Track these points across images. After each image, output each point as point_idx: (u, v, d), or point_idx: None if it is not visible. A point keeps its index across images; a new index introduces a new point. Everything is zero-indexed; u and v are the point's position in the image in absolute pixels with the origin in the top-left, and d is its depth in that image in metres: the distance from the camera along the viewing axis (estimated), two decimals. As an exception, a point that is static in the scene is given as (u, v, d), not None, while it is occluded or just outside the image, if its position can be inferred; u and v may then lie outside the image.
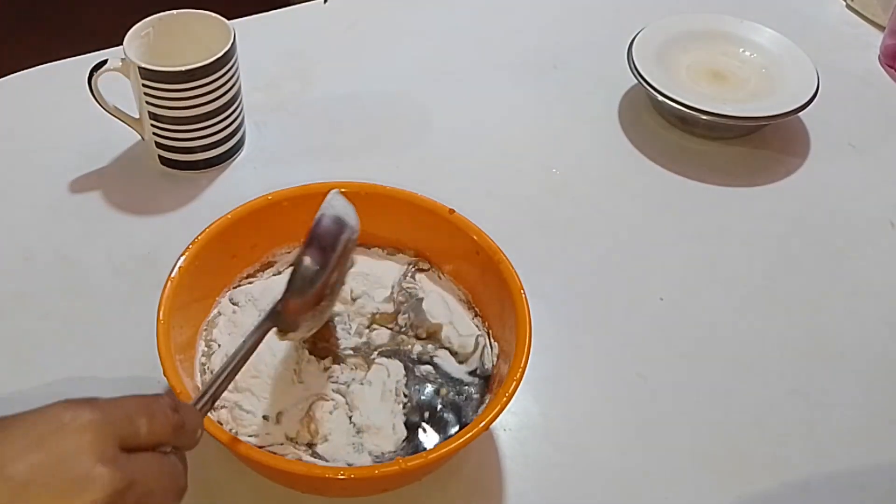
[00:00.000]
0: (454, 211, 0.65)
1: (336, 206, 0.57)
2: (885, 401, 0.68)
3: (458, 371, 0.62)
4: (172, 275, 0.59)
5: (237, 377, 0.52)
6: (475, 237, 0.64)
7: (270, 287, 0.65)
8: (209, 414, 0.58)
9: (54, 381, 0.65)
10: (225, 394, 0.59)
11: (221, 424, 0.58)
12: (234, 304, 0.65)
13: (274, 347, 0.60)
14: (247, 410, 0.58)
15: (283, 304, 0.53)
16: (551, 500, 0.61)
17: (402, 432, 0.59)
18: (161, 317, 0.57)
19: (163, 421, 0.43)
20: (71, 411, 0.40)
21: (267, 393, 0.59)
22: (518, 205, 0.81)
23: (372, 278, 0.66)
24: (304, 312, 0.55)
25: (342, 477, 0.53)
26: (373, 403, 0.59)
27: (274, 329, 0.54)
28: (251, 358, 0.52)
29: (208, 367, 0.61)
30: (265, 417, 0.58)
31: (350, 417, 0.59)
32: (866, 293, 0.75)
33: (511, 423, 0.64)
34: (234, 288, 0.66)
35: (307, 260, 0.54)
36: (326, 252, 0.54)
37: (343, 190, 0.60)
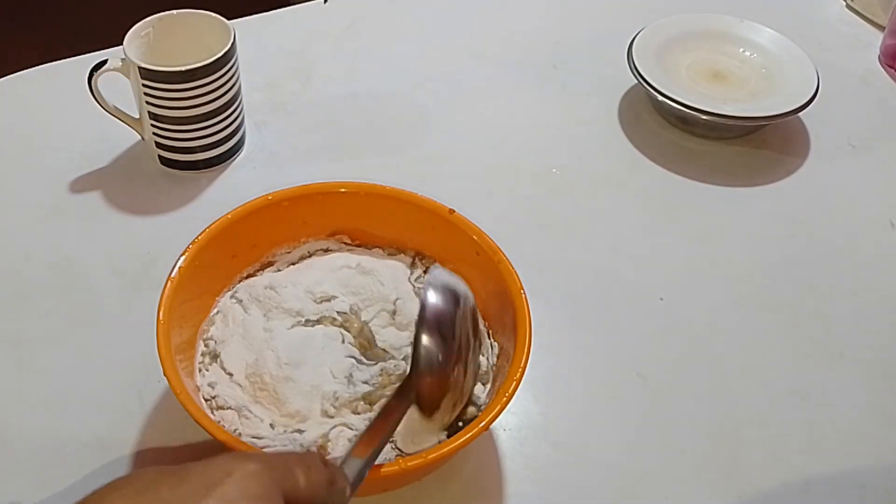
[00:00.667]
0: (454, 211, 0.65)
1: (440, 277, 0.56)
2: (885, 401, 0.68)
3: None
4: (172, 275, 0.59)
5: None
6: (475, 237, 0.64)
7: (273, 284, 0.65)
8: (211, 414, 0.58)
9: (54, 381, 0.65)
10: (236, 399, 0.59)
11: (223, 424, 0.58)
12: (236, 299, 0.64)
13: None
14: (255, 415, 0.58)
15: (416, 382, 0.53)
16: (551, 499, 0.61)
17: None
18: (161, 317, 0.57)
19: (318, 475, 0.45)
20: (237, 461, 0.42)
21: (284, 406, 0.59)
22: (518, 205, 0.81)
23: (380, 279, 0.66)
24: (440, 391, 0.54)
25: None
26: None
27: (414, 407, 0.53)
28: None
29: (206, 367, 0.61)
30: (272, 426, 0.58)
31: None
32: (866, 293, 0.75)
33: (511, 423, 0.64)
34: (234, 288, 0.66)
35: (424, 339, 0.53)
36: (442, 328, 0.54)
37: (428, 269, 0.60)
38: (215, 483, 0.41)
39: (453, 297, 0.55)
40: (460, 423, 0.57)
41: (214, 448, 0.52)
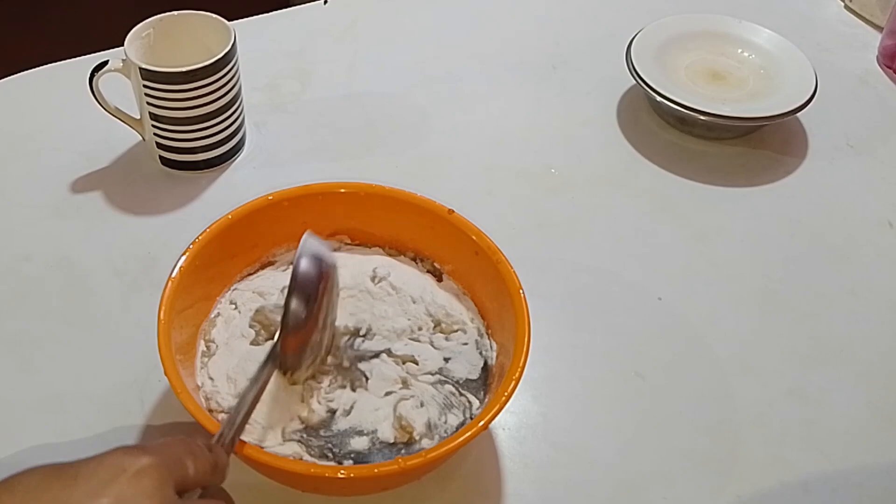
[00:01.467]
0: (453, 211, 0.65)
1: (311, 246, 0.58)
2: (884, 401, 0.68)
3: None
4: (173, 275, 0.60)
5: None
6: (474, 237, 0.64)
7: (270, 283, 0.65)
8: (213, 416, 0.58)
9: (54, 381, 0.66)
10: (228, 401, 0.59)
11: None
12: (233, 304, 0.65)
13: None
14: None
15: (280, 344, 0.55)
16: (550, 499, 0.61)
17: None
18: (161, 316, 0.57)
19: (203, 461, 0.46)
20: (130, 457, 0.42)
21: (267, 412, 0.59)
22: (517, 205, 0.81)
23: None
24: (301, 349, 0.57)
25: (342, 476, 0.53)
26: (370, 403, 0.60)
27: (278, 373, 0.56)
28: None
29: (208, 367, 0.61)
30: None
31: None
32: (865, 293, 0.76)
33: (510, 423, 0.65)
34: (233, 287, 0.66)
35: (294, 302, 0.55)
36: (309, 291, 0.56)
37: (313, 235, 0.60)
38: (108, 482, 0.41)
39: (319, 263, 0.57)
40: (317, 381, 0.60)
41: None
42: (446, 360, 0.62)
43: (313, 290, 0.56)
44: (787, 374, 0.69)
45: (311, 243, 0.58)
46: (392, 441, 0.58)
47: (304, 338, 0.56)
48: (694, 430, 0.66)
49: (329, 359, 0.61)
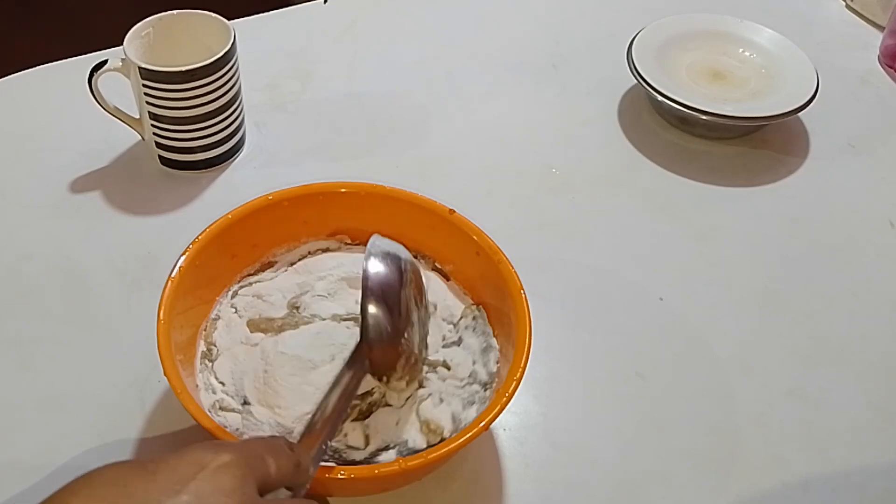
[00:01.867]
0: (454, 211, 0.65)
1: (381, 245, 0.57)
2: (884, 401, 0.68)
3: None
4: (172, 275, 0.59)
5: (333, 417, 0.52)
6: (475, 237, 0.64)
7: (270, 286, 0.65)
8: (215, 415, 0.58)
9: (54, 381, 0.65)
10: (235, 400, 0.59)
11: (225, 425, 0.58)
12: (233, 308, 0.64)
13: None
14: (255, 417, 0.58)
15: (363, 350, 0.54)
16: (551, 499, 0.61)
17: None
18: (161, 316, 0.57)
19: (286, 460, 0.45)
20: (210, 453, 0.42)
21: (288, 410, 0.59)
22: (518, 205, 0.81)
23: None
24: (388, 352, 0.55)
25: (342, 476, 0.53)
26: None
27: (370, 376, 0.55)
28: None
29: (209, 367, 0.61)
30: (271, 425, 0.58)
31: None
32: (866, 293, 0.75)
33: (511, 423, 0.65)
34: (234, 288, 0.66)
35: (371, 308, 0.54)
36: (384, 291, 0.55)
37: (378, 237, 0.59)
38: (188, 478, 0.40)
39: (395, 263, 0.56)
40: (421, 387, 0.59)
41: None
42: (474, 362, 0.62)
43: (389, 290, 0.55)
44: (787, 374, 0.69)
45: (379, 243, 0.57)
46: (424, 446, 0.57)
47: (389, 342, 0.54)
48: (694, 430, 0.65)
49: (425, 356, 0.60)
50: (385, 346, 0.54)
